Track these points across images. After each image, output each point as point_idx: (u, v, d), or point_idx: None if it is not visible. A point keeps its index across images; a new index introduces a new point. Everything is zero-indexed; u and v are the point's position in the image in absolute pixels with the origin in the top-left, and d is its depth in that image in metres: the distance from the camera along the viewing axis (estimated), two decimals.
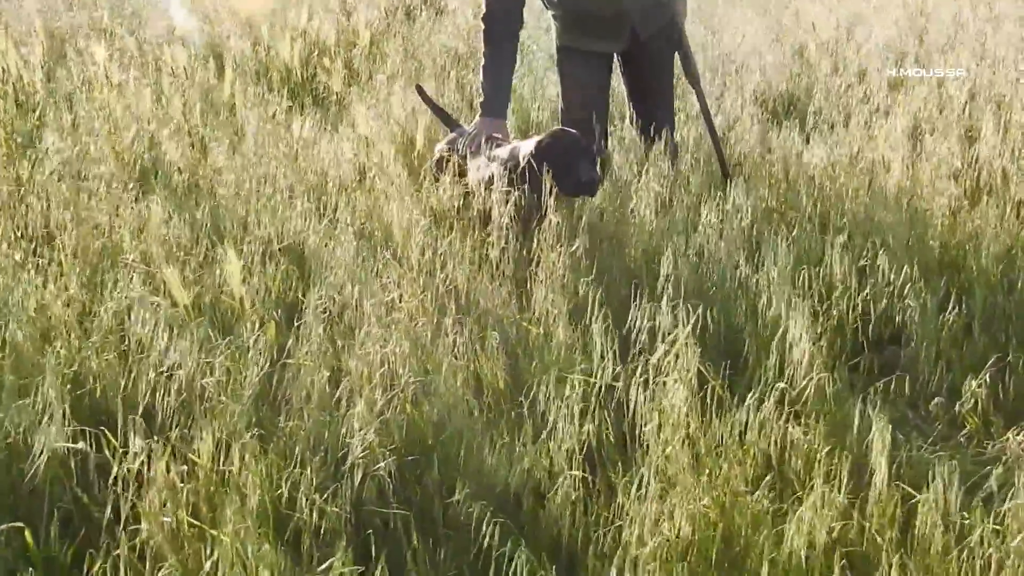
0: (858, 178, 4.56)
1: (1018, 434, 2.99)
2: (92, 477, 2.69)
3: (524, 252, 3.82)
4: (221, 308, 3.28)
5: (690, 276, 3.73)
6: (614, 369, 2.92)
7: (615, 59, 4.89)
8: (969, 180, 4.60)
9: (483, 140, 4.44)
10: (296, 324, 3.18)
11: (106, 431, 2.65)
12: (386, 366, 2.91)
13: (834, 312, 3.52)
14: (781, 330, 3.15)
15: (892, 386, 3.32)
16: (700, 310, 3.00)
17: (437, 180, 4.44)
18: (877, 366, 3.51)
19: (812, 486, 2.53)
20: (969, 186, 4.57)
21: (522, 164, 4.04)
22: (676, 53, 4.90)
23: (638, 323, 3.07)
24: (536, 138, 4.19)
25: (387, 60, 6.87)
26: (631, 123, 4.95)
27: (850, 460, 2.74)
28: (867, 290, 3.58)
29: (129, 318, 3.12)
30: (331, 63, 6.63)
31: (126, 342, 3.14)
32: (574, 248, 3.68)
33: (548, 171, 3.94)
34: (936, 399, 3.24)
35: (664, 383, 2.82)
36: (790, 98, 6.40)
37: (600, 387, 2.89)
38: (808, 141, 5.11)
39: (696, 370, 2.84)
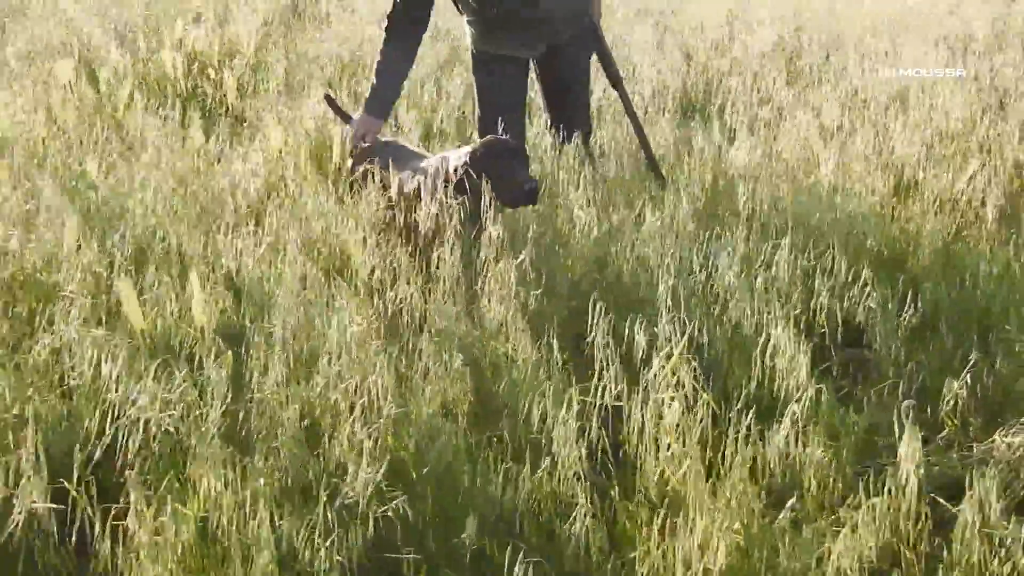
0: (785, 176, 4.49)
1: (1006, 436, 2.90)
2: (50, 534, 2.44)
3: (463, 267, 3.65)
4: (175, 338, 3.04)
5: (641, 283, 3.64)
6: (617, 387, 2.76)
7: (531, 64, 4.75)
8: (893, 176, 4.56)
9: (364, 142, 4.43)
10: (245, 353, 2.99)
11: (64, 481, 2.42)
12: (365, 397, 2.72)
13: (791, 315, 3.41)
14: (763, 338, 3.05)
15: (861, 389, 3.27)
16: (682, 324, 2.89)
17: (356, 193, 4.24)
18: (841, 368, 3.42)
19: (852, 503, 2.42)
20: (892, 183, 4.53)
21: (458, 174, 3.86)
22: (593, 55, 4.80)
23: (636, 337, 2.92)
24: (467, 148, 4.02)
25: (270, 70, 6.61)
26: (547, 128, 4.82)
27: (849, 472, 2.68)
28: (823, 292, 3.49)
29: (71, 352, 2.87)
30: (216, 74, 6.37)
31: (65, 381, 2.89)
32: (520, 260, 3.52)
33: (486, 181, 3.78)
34: (906, 401, 3.14)
35: (662, 400, 2.69)
36: (687, 98, 6.34)
37: (601, 406, 2.74)
38: (724, 141, 5.04)
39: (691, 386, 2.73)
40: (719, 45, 7.26)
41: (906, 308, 3.46)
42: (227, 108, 6.04)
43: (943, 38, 7.29)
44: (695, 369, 2.75)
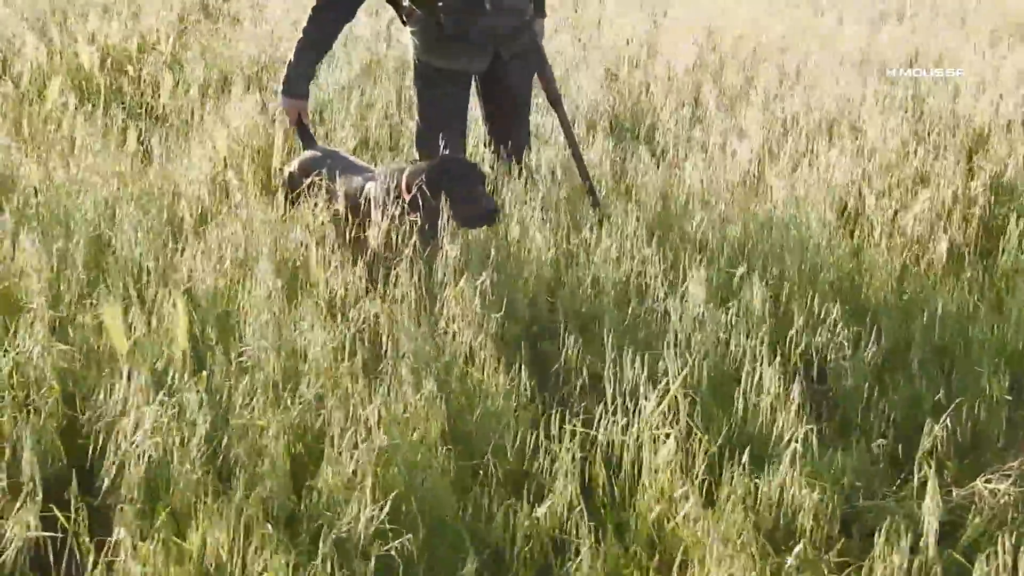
0: (732, 202, 4.48)
1: (988, 482, 2.87)
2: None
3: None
4: (151, 360, 2.90)
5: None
6: (624, 420, 2.71)
7: (473, 79, 4.68)
8: (836, 205, 4.56)
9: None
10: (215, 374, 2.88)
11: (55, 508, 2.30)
12: (356, 427, 2.63)
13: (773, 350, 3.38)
14: (745, 376, 3.02)
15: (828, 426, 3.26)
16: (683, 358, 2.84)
17: (294, 204, 4.12)
18: (813, 405, 3.38)
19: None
20: (837, 211, 4.53)
21: (412, 191, 3.77)
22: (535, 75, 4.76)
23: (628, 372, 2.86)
24: (415, 165, 3.93)
25: (189, 69, 6.42)
26: (485, 145, 4.76)
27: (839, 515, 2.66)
28: (797, 327, 3.45)
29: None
30: (135, 71, 6.19)
31: (30, 398, 2.75)
32: (480, 281, 3.44)
33: (445, 200, 3.71)
34: (879, 441, 3.13)
35: (656, 436, 2.65)
36: (616, 117, 6.31)
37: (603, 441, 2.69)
38: (663, 163, 5.02)
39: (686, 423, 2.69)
40: (640, 62, 7.23)
41: (869, 344, 3.45)
42: (146, 106, 5.87)
43: (861, 61, 7.37)
44: (694, 403, 2.72)
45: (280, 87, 4.43)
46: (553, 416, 2.75)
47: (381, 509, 2.41)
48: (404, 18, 4.60)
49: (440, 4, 4.31)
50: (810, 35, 8.38)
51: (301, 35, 4.41)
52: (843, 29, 8.79)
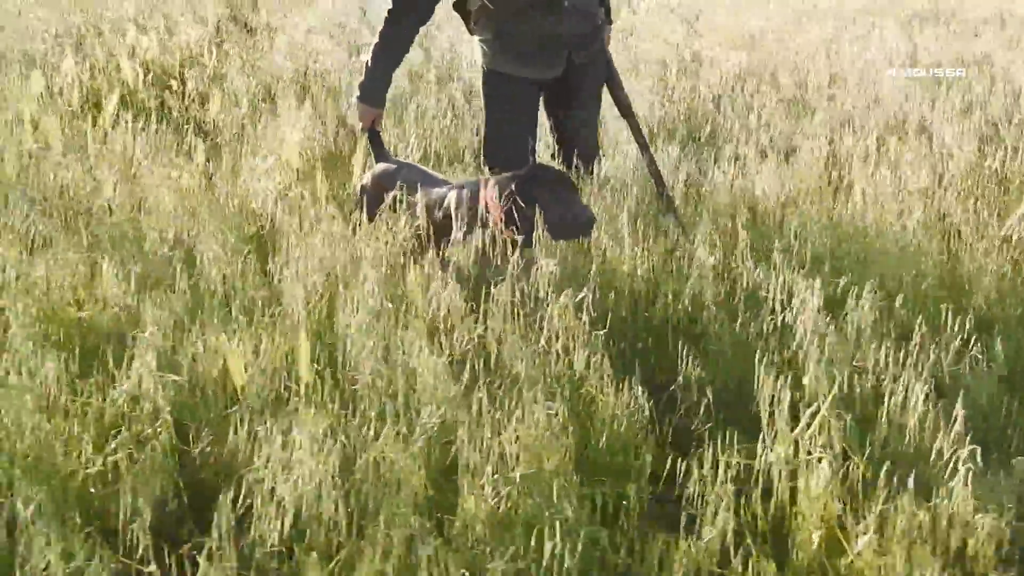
0: (820, 209, 4.32)
1: None
2: None
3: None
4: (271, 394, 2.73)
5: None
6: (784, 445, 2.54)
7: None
8: (929, 207, 4.39)
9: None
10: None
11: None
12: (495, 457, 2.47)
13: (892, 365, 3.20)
14: (888, 393, 2.85)
15: None
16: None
17: (371, 219, 3.95)
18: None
19: None
20: (928, 217, 4.36)
21: (504, 204, 3.59)
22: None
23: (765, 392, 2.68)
24: (501, 175, 3.76)
25: (232, 83, 6.28)
26: (553, 154, 4.61)
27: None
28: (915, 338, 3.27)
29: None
30: (179, 86, 6.05)
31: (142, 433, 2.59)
32: (581, 297, 3.26)
33: (539, 212, 3.53)
34: (1018, 458, 2.96)
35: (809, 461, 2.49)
36: (677, 125, 6.16)
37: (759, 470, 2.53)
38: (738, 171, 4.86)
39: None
40: (687, 68, 7.11)
41: (995, 356, 3.28)
42: (194, 121, 5.72)
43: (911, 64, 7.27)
44: (846, 426, 2.56)
45: (356, 93, 4.27)
46: (706, 446, 2.58)
47: (572, 548, 2.24)
48: (472, 25, 4.47)
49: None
50: (848, 38, 8.26)
51: (377, 39, 4.27)
52: (881, 32, 8.68)
